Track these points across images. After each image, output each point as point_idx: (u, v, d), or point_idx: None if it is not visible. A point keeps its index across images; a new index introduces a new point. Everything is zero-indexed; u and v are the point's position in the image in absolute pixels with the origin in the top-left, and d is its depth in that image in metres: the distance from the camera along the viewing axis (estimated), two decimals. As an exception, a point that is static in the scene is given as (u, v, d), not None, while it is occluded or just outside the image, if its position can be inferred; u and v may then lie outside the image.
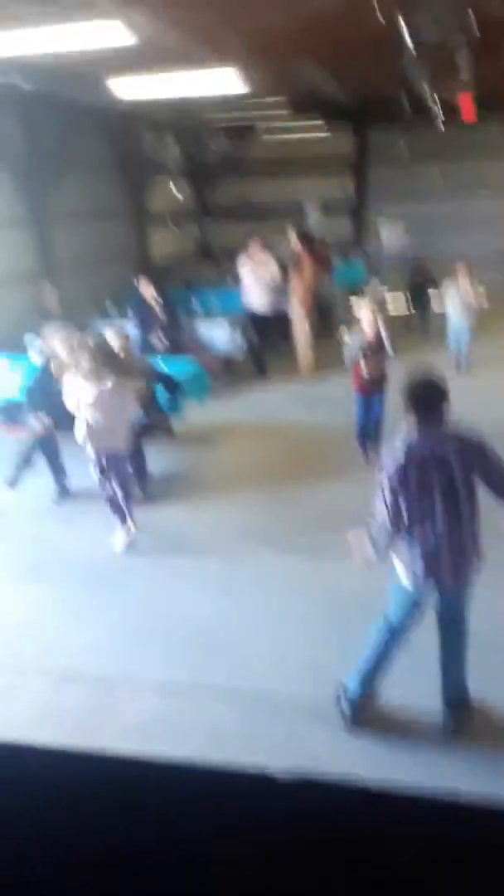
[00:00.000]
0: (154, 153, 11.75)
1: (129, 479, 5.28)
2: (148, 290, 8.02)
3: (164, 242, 12.76)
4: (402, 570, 3.23)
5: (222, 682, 3.75)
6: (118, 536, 5.10)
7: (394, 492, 3.07)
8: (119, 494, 5.05)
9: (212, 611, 4.38)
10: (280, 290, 9.29)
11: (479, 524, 3.16)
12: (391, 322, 6.86)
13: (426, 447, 3.05)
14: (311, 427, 7.49)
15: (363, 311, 6.08)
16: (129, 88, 8.03)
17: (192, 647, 4.03)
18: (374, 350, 5.93)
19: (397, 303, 11.59)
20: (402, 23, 4.28)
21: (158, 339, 7.79)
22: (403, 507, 3.08)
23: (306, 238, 9.34)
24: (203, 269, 12.53)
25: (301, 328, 9.14)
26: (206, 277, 11.60)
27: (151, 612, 4.39)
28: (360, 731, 3.40)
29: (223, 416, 7.80)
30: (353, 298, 6.22)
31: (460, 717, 3.35)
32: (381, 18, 4.37)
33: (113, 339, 5.78)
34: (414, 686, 3.52)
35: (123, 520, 5.09)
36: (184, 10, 5.33)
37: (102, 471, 5.00)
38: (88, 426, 4.86)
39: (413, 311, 11.08)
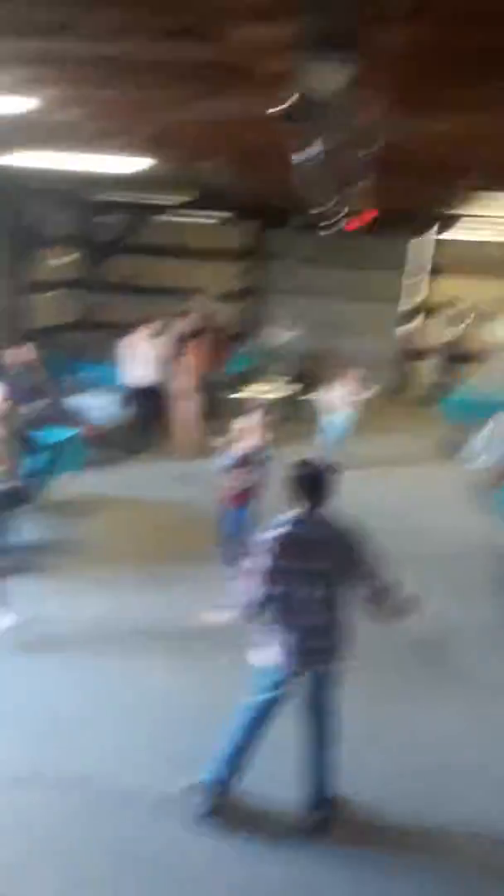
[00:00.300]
0: (41, 222, 11.77)
1: None
2: (26, 357, 7.89)
3: (47, 310, 12.68)
4: (267, 650, 3.27)
5: (72, 773, 3.60)
6: None
7: (269, 569, 3.14)
8: None
9: (67, 697, 4.22)
10: (165, 368, 9.42)
11: (350, 616, 3.25)
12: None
13: (307, 531, 3.16)
14: (185, 505, 7.51)
15: (242, 419, 5.79)
16: (22, 156, 8.05)
17: (44, 735, 3.88)
18: (244, 464, 5.64)
19: (281, 386, 12.09)
20: (303, 140, 4.64)
21: (33, 410, 7.62)
22: (274, 586, 3.15)
23: (195, 319, 9.61)
24: (86, 340, 12.52)
25: (183, 408, 9.27)
26: (89, 348, 11.61)
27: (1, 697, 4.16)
28: (215, 824, 3.35)
29: (97, 488, 7.70)
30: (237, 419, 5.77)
31: (324, 813, 3.36)
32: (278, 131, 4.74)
33: None
34: (278, 780, 3.51)
35: None
36: (89, 91, 5.50)
37: None
38: None
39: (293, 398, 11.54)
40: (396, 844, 3.33)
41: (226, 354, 11.88)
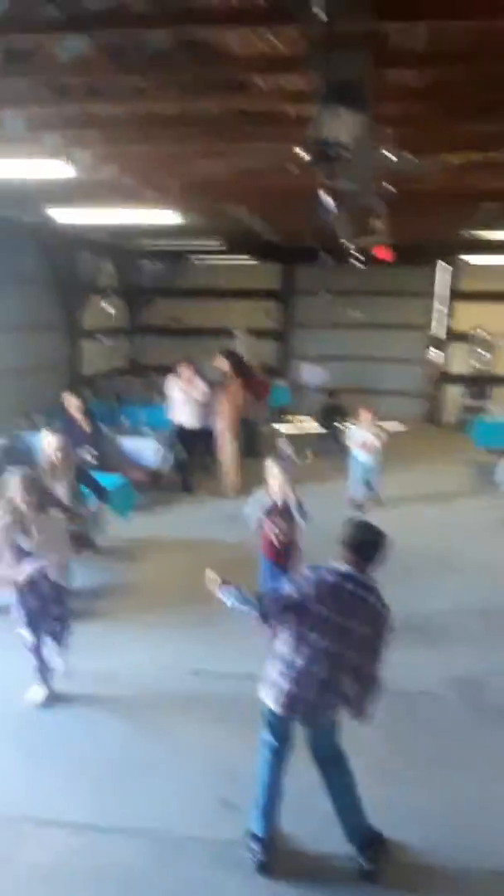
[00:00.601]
0: (89, 272, 12.20)
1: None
2: (72, 403, 8.12)
3: (94, 356, 13.05)
4: (268, 690, 3.26)
5: (133, 824, 3.62)
6: (35, 691, 4.65)
7: (299, 602, 3.14)
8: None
9: (123, 746, 4.24)
10: (208, 409, 9.56)
11: (351, 681, 3.18)
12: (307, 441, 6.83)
13: (344, 583, 3.16)
14: (235, 546, 7.55)
15: (272, 469, 5.30)
16: (68, 214, 8.44)
17: (102, 785, 3.89)
18: (281, 515, 5.19)
19: (312, 424, 12.16)
20: (324, 185, 4.76)
21: (87, 453, 7.81)
22: (293, 621, 3.15)
23: (234, 359, 9.73)
24: (132, 384, 12.84)
25: (227, 447, 9.37)
26: (135, 392, 11.88)
27: (57, 747, 4.22)
28: (273, 872, 3.31)
29: (147, 531, 7.80)
30: (269, 461, 5.26)
31: (371, 856, 3.31)
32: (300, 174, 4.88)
33: (51, 440, 5.83)
34: (329, 824, 3.47)
35: (43, 676, 4.64)
36: (123, 153, 5.75)
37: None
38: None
39: (327, 433, 11.58)
40: (448, 890, 3.24)
41: (266, 391, 12.02)
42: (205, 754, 4.15)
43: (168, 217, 7.99)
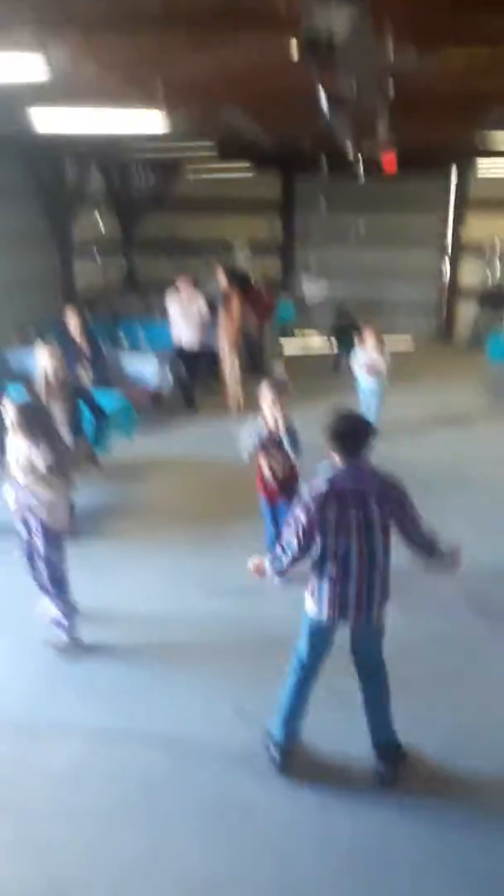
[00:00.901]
0: (79, 184, 11.71)
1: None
2: (73, 322, 7.93)
3: (88, 273, 12.69)
4: (310, 601, 3.28)
5: (149, 732, 3.70)
6: (46, 607, 4.50)
7: (310, 522, 3.14)
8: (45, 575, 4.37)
9: (137, 661, 4.31)
10: (208, 327, 9.36)
11: (389, 566, 3.24)
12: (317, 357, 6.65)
13: (348, 483, 3.13)
14: (240, 464, 7.53)
15: (265, 394, 4.74)
16: (51, 121, 7.98)
17: (118, 697, 3.96)
18: (277, 445, 4.74)
19: (322, 342, 11.92)
20: (320, 84, 4.47)
21: (84, 372, 7.69)
22: (318, 539, 3.15)
23: (235, 276, 9.47)
24: (129, 302, 12.52)
25: (229, 366, 9.22)
26: (133, 310, 11.61)
27: (74, 662, 4.28)
28: (292, 777, 3.40)
29: (151, 451, 7.76)
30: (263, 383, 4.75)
31: (391, 764, 3.40)
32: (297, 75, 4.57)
33: (47, 356, 5.70)
34: (348, 733, 3.57)
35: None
36: (105, 50, 5.37)
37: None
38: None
39: (338, 352, 11.37)
40: (463, 797, 3.33)
41: (271, 306, 11.79)
42: (219, 667, 4.22)
43: (155, 122, 7.55)
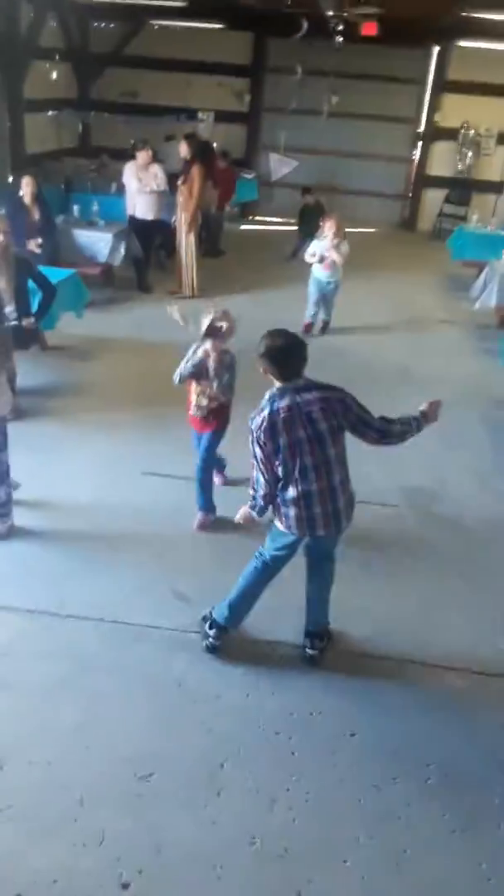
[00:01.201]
0: (33, 33, 10.66)
1: None
2: (28, 190, 7.41)
3: (41, 134, 11.82)
4: (279, 523, 3.32)
5: (87, 612, 3.76)
6: None
7: (264, 450, 3.11)
8: None
9: (77, 544, 4.33)
10: (165, 200, 8.90)
11: (348, 474, 3.25)
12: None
13: (290, 402, 3.08)
14: (187, 346, 7.38)
15: (205, 321, 4.16)
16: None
17: (57, 578, 3.99)
18: (209, 379, 4.24)
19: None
20: None
21: (36, 246, 7.28)
22: (275, 463, 3.13)
23: (197, 143, 8.87)
24: (83, 168, 11.77)
25: (187, 244, 8.84)
26: (87, 177, 10.94)
27: (12, 542, 4.27)
28: (223, 657, 3.54)
29: (100, 330, 7.54)
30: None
31: (320, 648, 3.56)
32: None
33: None
34: (279, 617, 3.72)
35: None
36: None
37: None
38: None
39: (300, 238, 11.01)
40: (386, 675, 3.52)
41: (231, 182, 11.22)
42: (156, 553, 4.27)
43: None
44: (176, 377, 4.26)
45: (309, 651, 3.55)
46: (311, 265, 7.75)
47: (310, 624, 3.57)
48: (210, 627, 3.56)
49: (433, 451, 5.61)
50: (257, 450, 3.14)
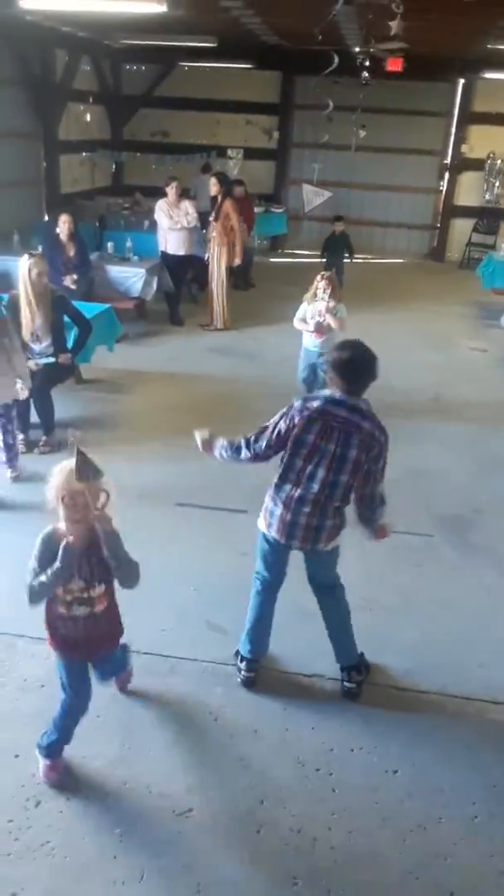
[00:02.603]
0: (68, 77, 11.01)
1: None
2: (66, 227, 7.59)
3: (75, 173, 12.14)
4: (262, 518, 3.29)
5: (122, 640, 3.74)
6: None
7: (289, 431, 3.08)
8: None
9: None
10: (196, 235, 9.06)
11: (346, 504, 3.20)
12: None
13: (341, 412, 3.06)
14: (224, 379, 7.45)
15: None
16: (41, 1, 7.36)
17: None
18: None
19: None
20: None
21: (72, 282, 7.43)
22: (289, 454, 3.11)
23: (225, 181, 9.04)
24: (116, 205, 12.04)
25: (218, 279, 8.95)
26: (120, 215, 11.17)
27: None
28: (258, 687, 3.49)
29: (132, 363, 7.63)
30: None
31: (355, 679, 3.48)
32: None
33: (30, 266, 5.47)
34: (314, 648, 3.64)
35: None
36: None
37: None
38: None
39: (327, 264, 11.09)
40: (428, 709, 3.43)
41: (250, 212, 11.36)
42: (192, 582, 4.25)
43: (152, 7, 7.03)
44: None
45: (347, 685, 3.48)
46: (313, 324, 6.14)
47: (341, 658, 3.50)
48: (241, 661, 3.52)
49: (467, 480, 5.55)
50: (283, 424, 3.11)
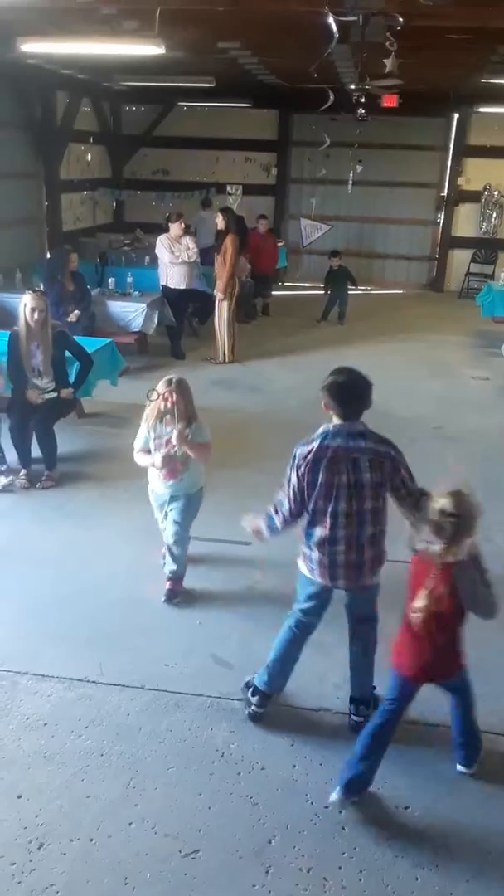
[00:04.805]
0: (67, 116, 11.24)
1: None
2: (74, 265, 7.70)
3: (76, 212, 12.34)
4: (302, 564, 3.26)
5: (126, 680, 3.68)
6: None
7: (301, 480, 3.07)
8: None
9: (117, 601, 4.29)
10: (198, 271, 9.15)
11: (383, 530, 3.19)
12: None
13: (340, 443, 3.05)
14: (224, 411, 7.45)
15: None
16: (42, 45, 7.54)
17: (96, 645, 3.93)
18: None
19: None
20: (330, 16, 4.26)
21: (75, 318, 7.50)
22: (308, 499, 3.08)
23: (234, 219, 9.16)
24: (117, 242, 12.22)
25: (221, 312, 9.02)
26: (121, 251, 11.32)
27: (50, 608, 4.24)
28: (266, 725, 3.42)
29: (136, 396, 7.52)
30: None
31: (366, 714, 3.40)
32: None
33: (30, 300, 5.55)
34: (325, 683, 3.61)
35: None
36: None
37: None
38: None
39: (329, 298, 11.23)
40: (438, 743, 3.35)
41: (274, 249, 11.54)
42: (197, 616, 4.21)
43: (150, 49, 7.21)
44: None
45: (354, 718, 3.41)
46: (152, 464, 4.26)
47: (354, 690, 3.45)
48: (252, 694, 3.46)
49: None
50: (293, 476, 3.09)
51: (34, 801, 2.98)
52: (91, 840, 2.84)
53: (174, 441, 3.99)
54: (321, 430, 3.11)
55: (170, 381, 4.02)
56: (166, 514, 4.28)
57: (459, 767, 3.21)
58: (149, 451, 4.17)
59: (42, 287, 7.35)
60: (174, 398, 3.97)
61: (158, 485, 4.23)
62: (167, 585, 4.33)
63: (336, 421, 3.10)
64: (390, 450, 3.08)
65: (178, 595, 4.31)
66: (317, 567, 3.17)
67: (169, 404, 3.98)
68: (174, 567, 4.32)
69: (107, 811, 2.97)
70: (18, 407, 5.66)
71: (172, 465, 4.11)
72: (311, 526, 3.14)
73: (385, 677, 3.50)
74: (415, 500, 3.10)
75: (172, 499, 4.22)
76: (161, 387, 4.01)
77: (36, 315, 5.53)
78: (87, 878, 2.70)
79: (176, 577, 4.33)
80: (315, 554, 3.16)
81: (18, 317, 5.65)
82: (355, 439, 3.05)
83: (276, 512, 3.21)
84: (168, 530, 4.29)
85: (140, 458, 4.24)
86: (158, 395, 3.99)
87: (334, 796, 2.99)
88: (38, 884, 2.66)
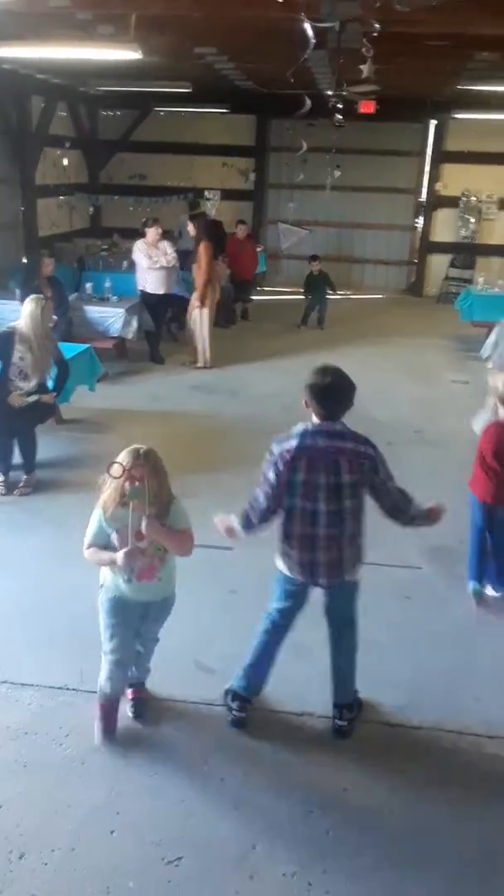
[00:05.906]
0: (42, 120, 11.17)
1: None
2: (47, 270, 7.65)
3: (52, 217, 12.26)
4: (280, 562, 3.24)
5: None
6: None
7: (279, 483, 3.05)
8: None
9: (95, 618, 4.24)
10: (176, 276, 9.14)
11: (362, 529, 3.18)
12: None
13: (319, 442, 3.04)
14: (202, 416, 7.44)
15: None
16: (16, 49, 7.49)
17: (75, 653, 3.87)
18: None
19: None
20: (306, 22, 4.28)
21: (52, 324, 7.43)
22: (284, 496, 3.07)
23: (206, 224, 9.16)
24: (94, 247, 12.16)
25: (199, 318, 9.00)
26: (98, 256, 11.27)
27: (28, 617, 4.19)
28: (248, 727, 3.41)
29: (113, 402, 7.61)
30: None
31: (349, 718, 3.41)
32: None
33: (41, 305, 5.59)
34: (307, 686, 3.59)
35: None
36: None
37: None
38: None
39: (309, 303, 11.26)
40: (422, 746, 3.37)
41: (253, 252, 11.55)
42: (179, 622, 4.17)
43: (127, 54, 7.20)
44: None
45: (338, 723, 3.40)
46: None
47: (337, 695, 3.43)
48: (232, 700, 3.44)
49: (453, 511, 5.51)
50: (271, 474, 3.06)
51: (14, 810, 2.94)
52: (73, 849, 2.80)
53: (144, 531, 3.04)
54: (300, 427, 3.09)
55: (137, 453, 3.09)
56: (137, 631, 3.30)
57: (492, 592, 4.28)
58: (105, 547, 3.19)
59: (18, 294, 7.31)
60: (144, 476, 3.04)
61: (126, 589, 3.17)
62: (132, 695, 3.48)
63: (315, 420, 3.09)
64: (370, 449, 3.08)
65: (149, 701, 3.53)
66: (296, 565, 3.16)
67: (136, 484, 3.03)
68: (140, 674, 3.52)
69: (88, 820, 2.93)
70: (1, 412, 5.60)
71: (149, 563, 3.15)
72: (290, 524, 3.13)
73: (366, 681, 3.52)
74: (394, 499, 3.10)
75: (147, 606, 3.25)
76: (125, 459, 3.06)
77: (46, 320, 5.59)
78: (69, 887, 2.66)
79: (143, 681, 3.55)
80: (294, 552, 3.15)
81: (16, 318, 5.68)
82: (335, 439, 3.05)
83: (251, 507, 3.17)
84: (144, 647, 3.40)
85: (93, 556, 3.23)
86: (122, 471, 3.02)
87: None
88: (19, 895, 2.62)
